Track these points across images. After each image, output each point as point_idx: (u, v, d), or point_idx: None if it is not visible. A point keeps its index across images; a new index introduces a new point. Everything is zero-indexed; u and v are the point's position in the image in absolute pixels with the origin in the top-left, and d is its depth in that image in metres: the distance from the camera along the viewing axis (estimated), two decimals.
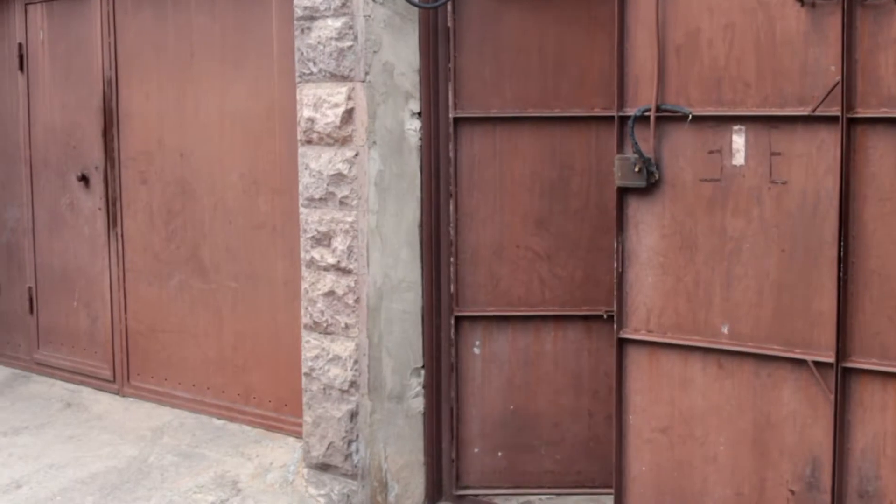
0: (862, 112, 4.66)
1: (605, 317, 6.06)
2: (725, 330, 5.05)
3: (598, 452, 6.18)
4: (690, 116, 5.03)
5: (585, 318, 6.19)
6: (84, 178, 8.38)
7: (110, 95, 8.09)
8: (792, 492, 4.92)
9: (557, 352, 6.26)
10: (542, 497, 6.33)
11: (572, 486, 6.27)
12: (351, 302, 6.09)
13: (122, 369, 8.24)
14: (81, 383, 8.55)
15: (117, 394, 8.27)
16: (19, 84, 8.85)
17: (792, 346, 4.88)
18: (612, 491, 5.62)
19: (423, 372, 6.26)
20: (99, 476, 6.84)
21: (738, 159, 4.95)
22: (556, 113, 6.10)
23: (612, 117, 5.49)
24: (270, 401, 7.23)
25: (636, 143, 5.17)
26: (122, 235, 8.12)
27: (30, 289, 8.98)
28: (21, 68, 8.82)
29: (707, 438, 5.14)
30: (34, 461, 7.13)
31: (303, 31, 6.19)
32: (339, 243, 6.11)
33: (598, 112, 6.05)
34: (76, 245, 8.53)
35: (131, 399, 8.14)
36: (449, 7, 6.03)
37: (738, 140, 4.95)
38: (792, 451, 4.91)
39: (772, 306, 4.91)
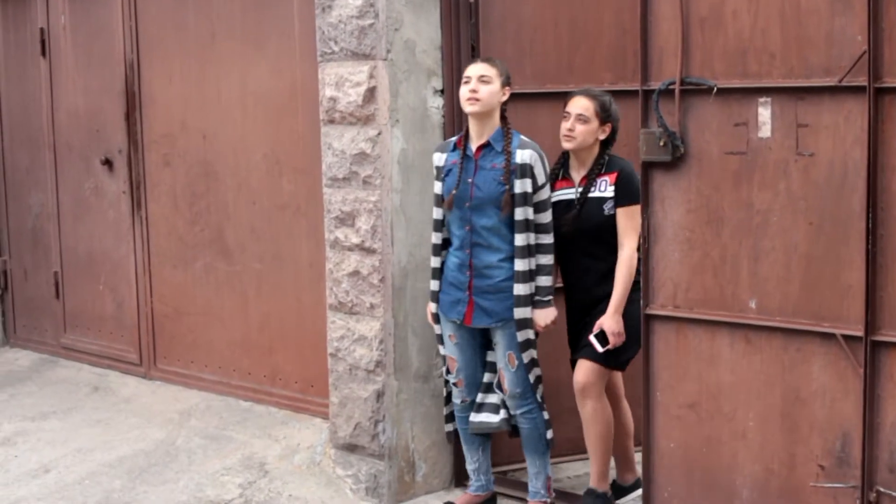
0: (889, 82, 4.59)
1: None
2: (753, 304, 5.00)
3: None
4: (716, 89, 4.97)
5: None
6: (108, 162, 8.38)
7: (132, 79, 8.09)
8: (822, 467, 4.87)
9: None
10: (568, 464, 6.34)
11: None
12: (376, 281, 6.07)
13: (149, 352, 8.25)
14: (108, 367, 8.57)
15: (144, 377, 8.28)
16: (42, 69, 8.87)
17: (820, 320, 4.82)
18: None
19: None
20: (127, 459, 6.85)
21: (765, 132, 4.90)
22: (571, 88, 6.08)
23: (620, 91, 5.62)
24: (297, 382, 7.22)
25: (661, 117, 5.12)
26: (146, 219, 8.12)
27: (55, 273, 9.00)
28: (43, 53, 8.83)
29: (735, 414, 5.10)
30: (62, 445, 7.15)
31: (323, 9, 6.16)
32: (363, 223, 6.09)
33: (607, 86, 6.09)
34: (101, 229, 8.54)
35: (158, 382, 8.15)
36: None
37: (764, 112, 4.89)
38: (821, 426, 4.86)
39: (800, 280, 4.86)
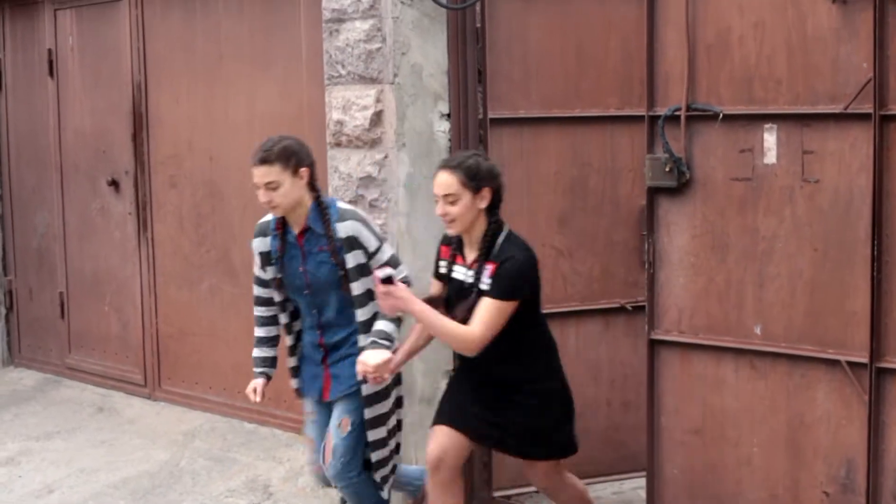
0: (895, 109, 4.61)
1: (630, 309, 6.21)
2: (758, 330, 5.02)
3: (616, 440, 6.30)
4: (721, 115, 5.00)
5: (603, 311, 6.31)
6: (114, 183, 8.40)
7: (140, 100, 8.11)
8: (826, 493, 4.88)
9: (579, 346, 6.32)
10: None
11: (594, 475, 6.28)
12: None
13: (154, 373, 8.25)
14: (113, 388, 8.57)
15: (148, 398, 8.28)
16: (49, 89, 8.89)
17: (825, 347, 4.84)
18: (632, 476, 5.83)
19: (452, 374, 6.23)
20: (131, 480, 6.85)
21: (770, 158, 4.92)
22: (577, 113, 6.15)
23: (626, 117, 5.65)
24: (301, 404, 7.21)
25: (667, 143, 5.14)
26: (152, 239, 8.13)
27: (61, 294, 9.01)
28: (51, 73, 8.85)
29: (740, 440, 5.11)
30: (66, 466, 7.15)
31: (331, 33, 6.18)
32: None
33: (612, 112, 6.13)
34: (107, 250, 8.55)
35: (162, 403, 8.15)
36: (477, 8, 6.01)
37: (770, 138, 4.91)
38: (826, 452, 4.87)
39: (805, 306, 4.87)
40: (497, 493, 6.27)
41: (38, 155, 9.07)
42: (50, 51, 8.84)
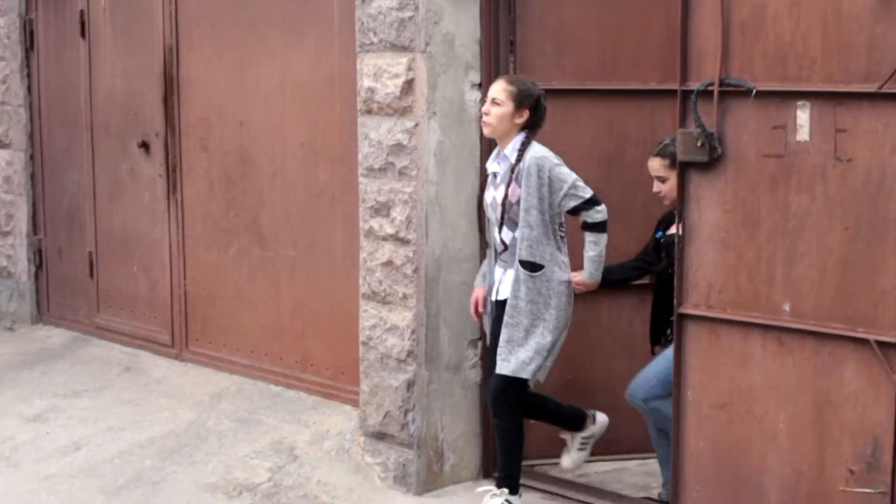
0: None
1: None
2: (787, 307, 5.01)
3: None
4: (754, 91, 4.98)
5: (637, 287, 6.26)
6: (144, 145, 8.43)
7: (171, 63, 8.13)
8: (851, 471, 4.89)
9: (612, 321, 6.32)
10: (599, 464, 6.35)
11: (627, 451, 6.31)
12: (409, 272, 6.10)
13: (181, 335, 8.30)
14: (140, 347, 8.63)
15: (176, 359, 8.34)
16: (81, 50, 8.91)
17: (854, 325, 4.83)
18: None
19: (479, 343, 6.26)
20: (157, 440, 6.91)
21: (803, 135, 4.90)
22: (614, 86, 6.12)
23: (668, 91, 5.50)
24: (328, 369, 7.26)
25: (699, 118, 5.13)
26: (181, 202, 8.16)
27: (90, 253, 9.06)
28: (83, 35, 8.87)
29: (766, 416, 5.11)
30: (93, 424, 7.22)
31: (363, 0, 6.18)
32: (398, 213, 6.12)
33: (654, 85, 6.10)
34: (136, 211, 8.59)
35: (190, 364, 8.20)
36: None
37: (803, 116, 4.89)
38: (853, 430, 4.87)
39: (834, 284, 4.86)
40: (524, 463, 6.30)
41: (69, 116, 9.11)
42: (82, 12, 8.85)
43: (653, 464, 6.19)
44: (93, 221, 9.01)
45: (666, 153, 5.68)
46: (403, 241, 6.12)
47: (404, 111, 6.06)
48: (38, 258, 9.55)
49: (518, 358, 5.61)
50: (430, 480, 6.20)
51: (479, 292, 5.99)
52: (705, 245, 5.22)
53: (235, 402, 7.44)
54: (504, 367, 5.63)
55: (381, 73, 6.14)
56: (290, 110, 7.31)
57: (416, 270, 6.09)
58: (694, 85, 5.15)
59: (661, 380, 5.67)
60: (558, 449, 6.13)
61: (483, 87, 6.11)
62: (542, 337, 5.62)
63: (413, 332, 6.13)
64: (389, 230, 6.17)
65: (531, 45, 6.10)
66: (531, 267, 5.61)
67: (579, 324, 6.12)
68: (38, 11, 9.29)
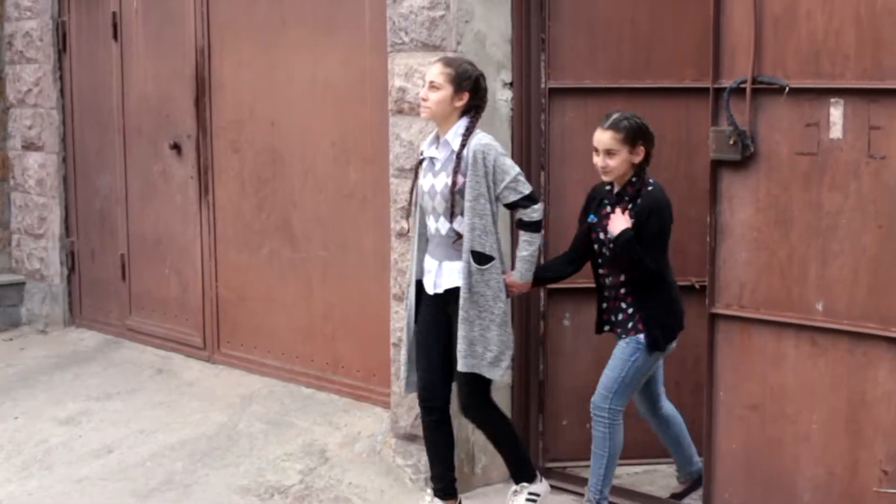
0: None
1: (696, 287, 5.96)
2: (820, 307, 4.98)
3: (686, 422, 6.09)
4: (787, 88, 4.95)
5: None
6: (176, 147, 8.44)
7: (203, 64, 8.14)
8: (885, 472, 4.84)
9: None
10: (630, 468, 6.30)
11: (660, 456, 6.22)
12: None
13: (213, 337, 8.31)
14: (172, 350, 8.63)
15: (207, 361, 8.34)
16: (113, 53, 8.94)
17: (888, 325, 4.79)
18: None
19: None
20: (188, 442, 6.91)
21: (836, 133, 4.87)
22: (648, 84, 6.04)
23: (704, 89, 5.40)
24: (359, 370, 7.25)
25: (731, 116, 5.10)
26: (213, 204, 8.17)
27: (122, 256, 9.08)
28: (115, 37, 8.90)
29: (799, 417, 5.08)
30: (124, 426, 7.22)
31: (394, 0, 6.17)
32: None
33: (688, 83, 6.00)
34: (168, 213, 8.60)
35: (221, 366, 8.20)
36: None
37: (836, 113, 4.86)
38: (886, 430, 4.83)
39: (868, 283, 4.82)
40: (551, 464, 6.28)
41: (102, 118, 9.13)
42: (114, 14, 8.88)
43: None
44: (125, 224, 9.02)
45: (620, 127, 5.36)
46: None
47: None
48: (71, 261, 9.57)
49: (486, 357, 5.42)
50: (461, 482, 6.15)
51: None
52: (737, 244, 5.19)
53: (267, 404, 7.43)
54: (473, 365, 5.43)
55: (412, 73, 6.12)
56: (320, 110, 7.30)
57: None
58: (726, 82, 5.12)
59: (622, 385, 5.48)
60: (589, 451, 6.08)
61: (515, 86, 6.08)
62: (502, 332, 5.44)
63: None
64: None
65: (563, 43, 6.06)
66: (481, 259, 5.39)
67: None
68: (70, 14, 9.32)
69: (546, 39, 6.06)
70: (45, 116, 9.47)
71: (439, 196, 5.47)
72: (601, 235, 5.53)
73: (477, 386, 5.52)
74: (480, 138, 5.39)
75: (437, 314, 5.60)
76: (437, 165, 5.50)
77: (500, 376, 5.54)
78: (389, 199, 6.34)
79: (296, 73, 7.46)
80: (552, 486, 5.93)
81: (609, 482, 5.57)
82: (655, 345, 5.40)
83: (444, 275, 5.54)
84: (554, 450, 6.30)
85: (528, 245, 5.47)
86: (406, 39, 6.13)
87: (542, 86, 6.09)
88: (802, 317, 5.02)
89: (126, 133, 8.92)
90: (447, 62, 5.46)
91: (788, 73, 4.97)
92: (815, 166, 4.92)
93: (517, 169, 5.41)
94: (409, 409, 6.27)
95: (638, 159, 5.41)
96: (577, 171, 6.09)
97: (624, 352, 5.47)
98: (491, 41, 6.03)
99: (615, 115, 5.42)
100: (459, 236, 5.44)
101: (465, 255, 5.39)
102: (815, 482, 5.04)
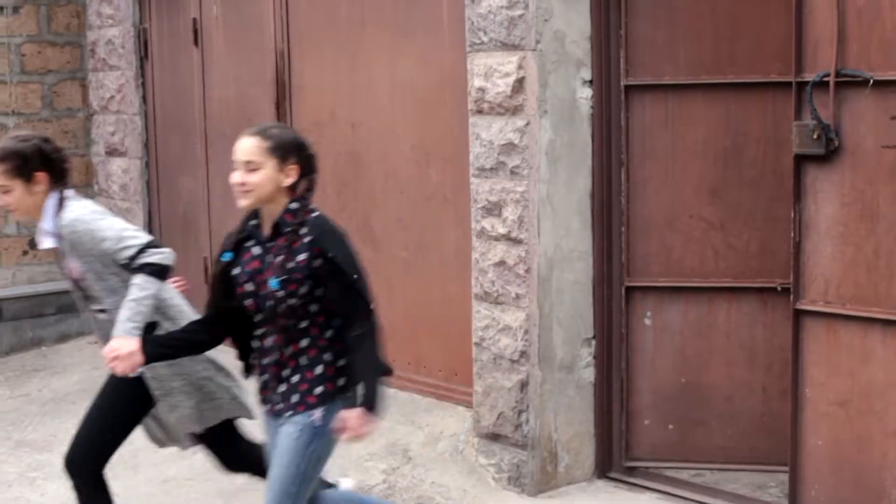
0: None
1: (778, 290, 5.84)
2: None
3: (772, 428, 5.98)
4: (872, 81, 4.90)
5: (760, 290, 6.01)
6: None
7: (283, 68, 8.19)
8: None
9: (731, 324, 6.12)
10: (714, 472, 6.25)
11: (745, 462, 6.14)
12: (521, 272, 6.08)
13: None
14: None
15: None
16: (194, 58, 9.02)
17: None
18: (786, 468, 5.52)
19: (593, 342, 6.22)
20: None
21: None
22: (731, 79, 5.95)
23: (789, 83, 5.33)
24: (440, 370, 7.26)
25: (814, 110, 5.06)
26: None
27: (205, 259, 9.15)
28: (196, 43, 8.98)
29: (887, 413, 5.02)
30: None
31: (473, 0, 6.18)
32: (510, 213, 6.10)
33: (774, 78, 5.86)
34: None
35: None
36: None
37: None
38: None
39: None
40: (633, 464, 6.25)
41: (184, 122, 9.22)
42: (195, 20, 8.96)
43: (771, 474, 6.03)
44: (207, 227, 9.10)
45: (267, 134, 4.43)
46: (516, 241, 6.10)
47: (515, 110, 6.04)
48: None
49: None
50: (545, 481, 6.17)
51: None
52: (822, 239, 5.14)
53: None
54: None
55: (491, 73, 6.13)
56: (400, 111, 7.32)
57: (528, 270, 6.07)
58: (809, 76, 5.09)
59: (300, 483, 4.46)
60: (672, 450, 6.06)
61: (594, 83, 6.06)
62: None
63: (526, 332, 6.11)
64: (501, 230, 6.16)
65: (642, 39, 6.02)
66: (147, 328, 4.83)
67: (694, 324, 6.05)
68: (151, 20, 9.42)
69: (625, 35, 6.03)
70: (129, 122, 9.58)
71: (75, 284, 5.07)
72: (250, 287, 4.47)
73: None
74: (66, 216, 4.89)
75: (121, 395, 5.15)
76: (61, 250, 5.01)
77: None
78: (470, 199, 6.36)
79: (375, 75, 7.49)
80: (635, 485, 5.90)
81: None
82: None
83: None
84: (636, 449, 6.26)
85: (139, 290, 4.75)
86: (485, 39, 6.14)
87: (622, 83, 6.07)
88: (890, 312, 4.97)
89: (208, 137, 9.00)
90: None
91: (872, 65, 4.92)
92: None
93: (119, 226, 4.91)
94: (490, 409, 6.28)
95: (289, 181, 4.43)
96: (656, 169, 6.07)
97: (294, 440, 4.44)
98: (570, 39, 6.02)
99: (268, 124, 4.66)
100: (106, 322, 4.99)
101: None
102: None
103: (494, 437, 6.31)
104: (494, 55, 6.11)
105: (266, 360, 4.49)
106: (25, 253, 9.90)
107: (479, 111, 6.22)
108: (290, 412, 4.40)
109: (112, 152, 9.75)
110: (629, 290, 6.18)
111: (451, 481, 6.32)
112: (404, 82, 7.28)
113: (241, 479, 6.40)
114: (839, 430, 5.17)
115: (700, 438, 6.16)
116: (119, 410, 5.16)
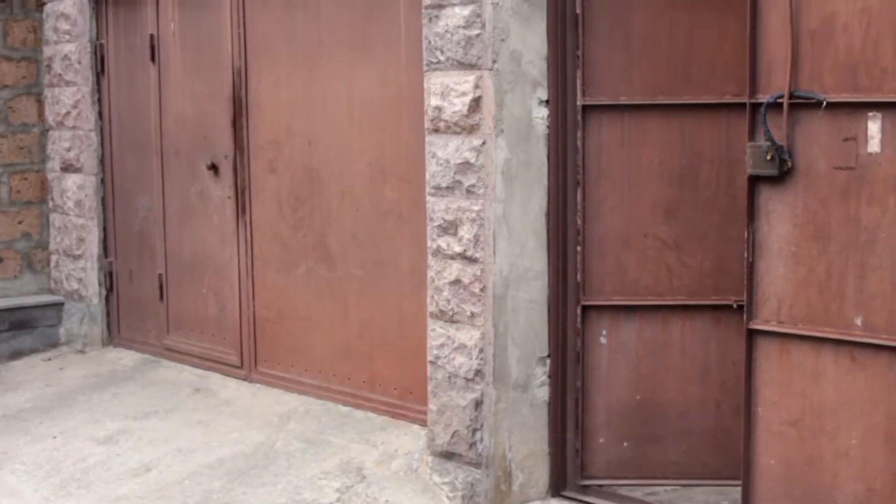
0: None
1: (734, 307, 5.95)
2: (859, 322, 4.95)
3: (725, 444, 6.07)
4: (825, 103, 4.93)
5: (714, 307, 6.08)
6: (214, 167, 8.49)
7: (240, 85, 8.18)
8: None
9: (685, 341, 6.17)
10: (668, 488, 6.27)
11: (699, 477, 6.18)
12: (477, 291, 6.09)
13: (250, 356, 8.33)
14: (210, 369, 8.66)
15: (245, 380, 8.36)
16: (151, 75, 9.00)
17: None
18: (739, 483, 5.54)
19: (548, 361, 6.23)
20: (226, 461, 6.92)
21: (874, 147, 4.85)
22: (686, 100, 6.01)
23: (744, 104, 5.37)
24: (395, 388, 7.26)
25: (768, 131, 5.09)
26: (250, 223, 8.21)
27: (160, 276, 9.12)
28: (153, 59, 8.96)
29: (838, 432, 5.05)
30: (163, 445, 7.24)
31: (430, 19, 6.19)
32: (466, 232, 6.10)
33: (729, 99, 5.94)
34: (205, 233, 8.64)
35: (258, 385, 8.23)
36: None
37: (874, 127, 4.84)
38: None
39: None
40: (587, 482, 6.26)
41: (140, 139, 9.19)
42: (152, 36, 8.94)
43: (724, 489, 6.08)
44: (163, 244, 9.07)
45: None
46: (471, 260, 6.11)
47: (472, 129, 6.05)
48: (109, 281, 9.62)
49: None
50: (498, 500, 6.17)
51: None
52: (775, 260, 5.17)
53: (304, 422, 7.45)
54: None
55: (448, 92, 6.14)
56: (357, 129, 7.33)
57: (483, 289, 6.08)
58: (763, 97, 5.11)
59: None
60: (626, 468, 6.07)
61: (550, 103, 6.09)
62: None
63: (481, 350, 6.11)
64: (457, 249, 6.16)
65: (599, 60, 6.06)
66: None
67: (649, 342, 6.08)
68: (108, 36, 9.39)
69: (581, 56, 6.06)
70: (84, 138, 9.53)
71: None
72: None
73: None
74: None
75: None
76: None
77: None
78: (426, 218, 6.36)
79: (332, 93, 7.49)
80: (589, 503, 5.91)
81: None
82: None
83: None
84: (591, 467, 6.27)
85: None
86: (442, 58, 6.15)
87: (578, 103, 6.09)
88: (841, 332, 5.00)
89: (164, 154, 8.98)
90: None
91: (825, 87, 4.95)
92: (853, 181, 4.91)
93: None
94: (445, 427, 6.28)
95: None
96: (612, 189, 6.10)
97: None
98: (527, 59, 6.04)
99: None
100: None
101: None
102: (855, 498, 5.01)
103: (449, 455, 6.30)
104: (451, 74, 6.12)
105: None
106: None
107: (436, 130, 6.22)
108: None
109: (67, 168, 9.69)
110: (585, 308, 6.19)
111: (406, 500, 6.31)
112: (362, 100, 7.29)
113: (193, 499, 6.38)
114: (791, 450, 5.19)
115: (654, 455, 6.18)
116: None
